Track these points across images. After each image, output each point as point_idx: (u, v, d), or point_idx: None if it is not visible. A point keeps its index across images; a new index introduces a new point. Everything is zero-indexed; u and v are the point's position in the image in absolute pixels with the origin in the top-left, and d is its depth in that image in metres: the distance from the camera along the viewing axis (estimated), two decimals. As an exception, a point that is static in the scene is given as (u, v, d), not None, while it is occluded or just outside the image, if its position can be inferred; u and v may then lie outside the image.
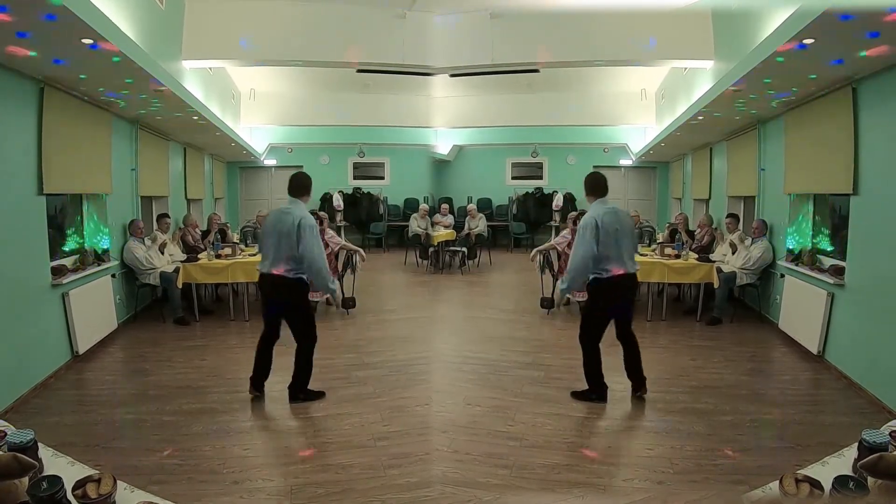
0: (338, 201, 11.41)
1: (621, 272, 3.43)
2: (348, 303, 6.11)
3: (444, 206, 10.52)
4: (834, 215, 4.94)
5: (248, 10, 5.76)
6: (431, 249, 9.10)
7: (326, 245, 6.25)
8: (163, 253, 5.97)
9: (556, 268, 6.33)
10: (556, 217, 11.39)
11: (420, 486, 2.60)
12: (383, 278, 8.61)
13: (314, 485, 2.62)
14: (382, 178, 12.36)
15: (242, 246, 7.31)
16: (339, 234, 9.16)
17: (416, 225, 9.64)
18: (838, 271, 4.33)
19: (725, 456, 2.89)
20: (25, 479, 1.44)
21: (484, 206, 12.02)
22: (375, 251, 11.30)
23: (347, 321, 5.85)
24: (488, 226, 10.24)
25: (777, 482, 1.54)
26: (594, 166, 12.00)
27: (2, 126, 3.60)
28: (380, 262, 9.98)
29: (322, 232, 6.29)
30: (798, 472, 1.58)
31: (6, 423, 1.84)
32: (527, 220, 11.84)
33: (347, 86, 9.64)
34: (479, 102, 10.52)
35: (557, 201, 11.49)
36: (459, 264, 9.13)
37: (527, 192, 11.94)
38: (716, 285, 5.66)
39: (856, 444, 1.66)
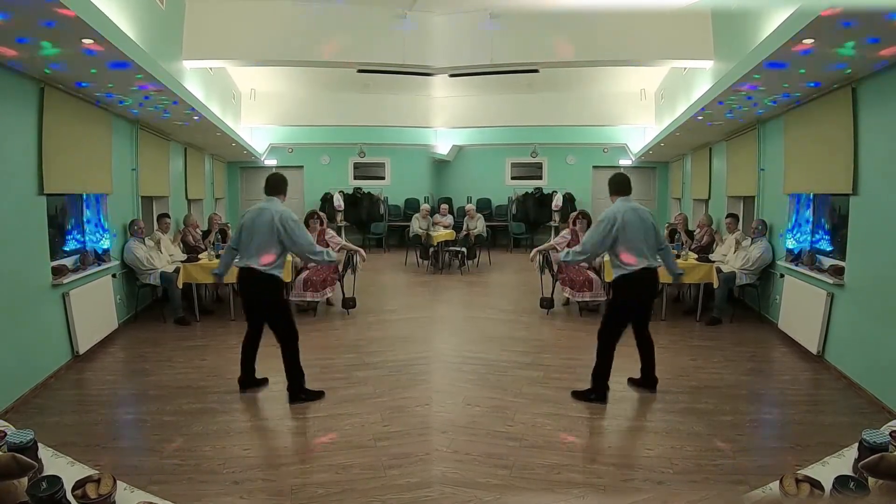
0: (338, 201, 11.41)
1: (643, 266, 3.52)
2: (349, 303, 6.11)
3: (444, 206, 10.52)
4: (833, 215, 4.94)
5: (249, 10, 5.76)
6: (431, 250, 9.10)
7: (327, 245, 6.25)
8: (160, 249, 5.97)
9: (555, 268, 6.33)
10: (556, 217, 11.39)
11: (420, 487, 2.60)
12: (383, 278, 8.61)
13: (314, 485, 2.62)
14: (383, 178, 12.37)
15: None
16: (340, 234, 9.16)
17: (417, 225, 9.64)
18: (838, 271, 4.34)
19: (725, 456, 2.89)
20: (25, 480, 1.44)
21: (483, 206, 12.03)
22: (376, 251, 11.30)
23: (348, 321, 5.85)
24: (488, 226, 10.24)
25: (777, 482, 1.54)
26: (594, 166, 12.04)
27: (2, 126, 3.60)
28: (380, 263, 9.98)
29: (322, 232, 6.31)
30: (798, 472, 1.58)
31: (6, 423, 1.84)
32: (526, 221, 11.84)
33: (348, 86, 9.64)
34: (479, 102, 10.52)
35: (557, 201, 11.49)
36: (459, 264, 9.13)
37: (526, 193, 11.94)
38: (715, 285, 5.66)
39: (856, 445, 1.66)
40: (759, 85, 4.55)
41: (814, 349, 4.45)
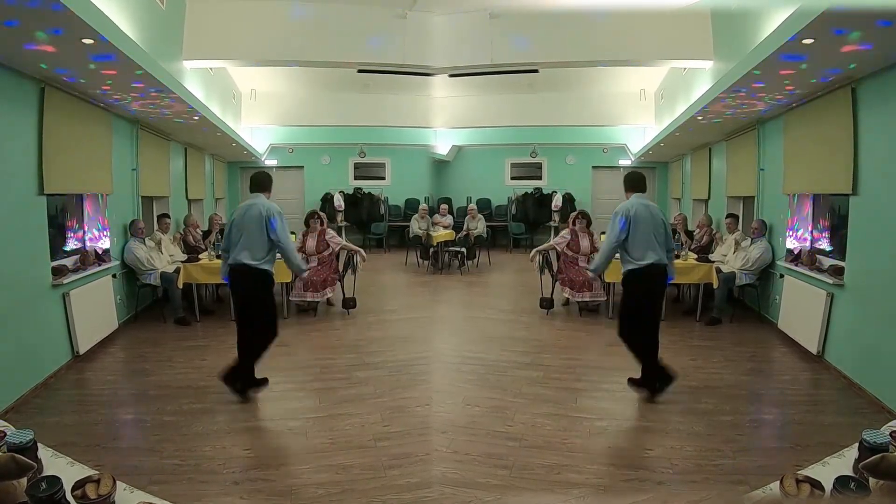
0: (339, 201, 11.42)
1: (652, 261, 3.55)
2: (349, 303, 6.11)
3: (444, 206, 10.52)
4: (833, 215, 4.95)
5: (249, 10, 5.76)
6: (431, 250, 9.10)
7: (327, 245, 6.25)
8: (160, 251, 5.97)
9: (555, 268, 6.33)
10: (556, 217, 11.39)
11: (420, 487, 2.60)
12: (384, 278, 8.61)
13: (315, 485, 2.62)
14: (383, 178, 12.37)
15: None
16: (340, 235, 9.15)
17: (416, 226, 9.64)
18: (838, 271, 4.33)
19: (725, 456, 2.89)
20: (24, 480, 1.44)
21: (483, 206, 12.03)
22: (376, 251, 11.30)
23: (348, 321, 5.85)
24: (487, 226, 10.24)
25: (777, 483, 1.54)
26: (593, 167, 12.04)
27: (2, 126, 3.60)
28: (380, 263, 9.98)
29: (322, 232, 6.31)
30: (798, 472, 1.58)
31: (6, 424, 1.84)
32: (526, 221, 11.84)
33: (348, 86, 9.64)
34: (479, 103, 10.52)
35: (556, 201, 11.49)
36: (459, 265, 9.13)
37: (526, 193, 11.93)
38: (715, 285, 5.66)
39: (856, 445, 1.66)
40: (759, 85, 4.54)
41: (814, 349, 4.45)
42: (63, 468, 1.61)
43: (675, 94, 7.86)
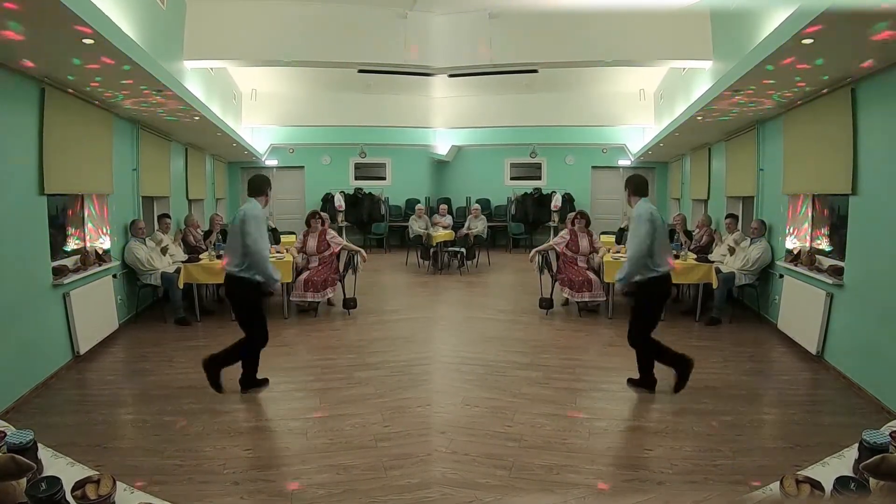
0: (339, 201, 11.43)
1: (668, 269, 3.58)
2: (349, 303, 6.11)
3: (443, 206, 10.53)
4: (832, 215, 4.95)
5: (250, 11, 5.77)
6: (432, 250, 9.10)
7: (328, 245, 6.26)
8: (164, 255, 5.98)
9: (554, 268, 6.33)
10: (555, 217, 11.39)
11: (421, 488, 2.60)
12: (384, 279, 8.61)
13: (315, 485, 2.62)
14: (384, 178, 12.36)
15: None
16: (341, 235, 9.16)
17: (416, 226, 9.65)
18: (837, 271, 4.34)
19: (725, 456, 2.89)
20: (24, 480, 1.44)
21: (482, 206, 12.00)
22: (377, 251, 11.31)
23: (348, 321, 5.85)
24: (487, 226, 10.25)
25: (777, 483, 1.55)
26: (593, 167, 12.04)
27: (3, 126, 3.60)
28: (381, 263, 9.98)
29: (323, 232, 6.31)
30: (798, 472, 1.58)
31: (6, 424, 1.84)
32: (525, 221, 11.84)
33: (349, 86, 9.64)
34: (478, 103, 10.52)
35: (556, 202, 11.49)
36: (458, 265, 9.14)
37: (525, 193, 11.93)
38: (714, 286, 5.66)
39: (856, 445, 1.66)
40: (758, 85, 4.55)
41: (813, 349, 4.45)
42: (63, 468, 1.62)
43: (675, 94, 7.86)
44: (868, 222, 3.96)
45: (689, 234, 7.31)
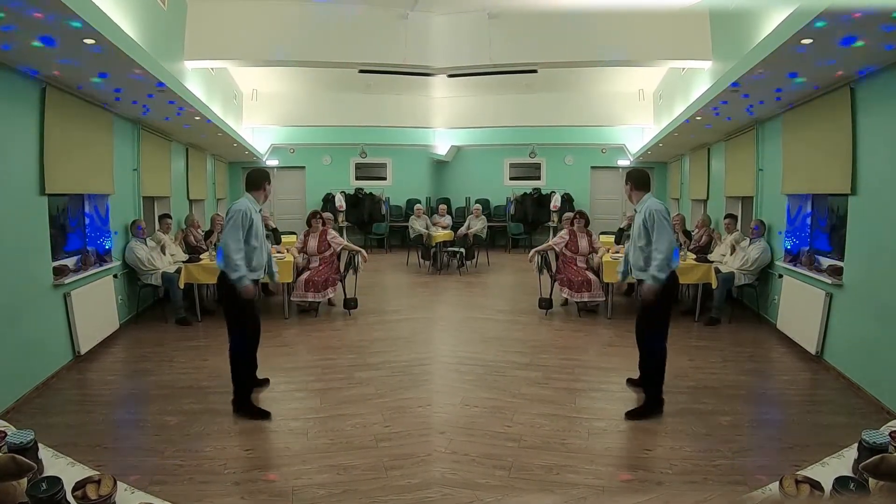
0: (340, 201, 11.44)
1: (677, 264, 3.50)
2: (350, 303, 6.12)
3: (442, 206, 10.53)
4: (831, 215, 4.95)
5: (250, 11, 5.77)
6: (432, 250, 9.11)
7: (328, 245, 6.26)
8: (164, 253, 5.98)
9: (553, 268, 6.33)
10: (554, 217, 11.39)
11: (421, 488, 2.61)
12: (385, 279, 8.62)
13: (316, 486, 2.63)
14: (384, 178, 12.37)
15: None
16: (342, 235, 9.17)
17: (417, 225, 9.66)
18: (836, 271, 4.34)
19: (724, 457, 2.90)
20: (24, 480, 1.44)
21: (482, 206, 12.02)
22: (377, 252, 11.31)
23: (349, 321, 5.86)
24: (487, 226, 10.26)
25: (777, 483, 1.55)
26: (592, 167, 12.05)
27: (4, 126, 3.61)
28: (382, 263, 9.98)
29: (324, 233, 6.31)
30: (798, 472, 1.59)
31: (7, 424, 1.84)
32: (525, 221, 11.85)
33: (349, 86, 9.65)
34: (478, 103, 10.53)
35: (555, 202, 11.50)
36: (458, 265, 9.14)
37: (525, 193, 11.94)
38: (714, 286, 5.67)
39: (855, 445, 1.67)
40: (758, 85, 4.55)
41: (812, 349, 4.45)
42: (64, 468, 1.62)
43: (674, 94, 7.87)
44: (867, 222, 3.96)
45: (688, 234, 7.31)
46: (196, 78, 6.19)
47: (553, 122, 10.55)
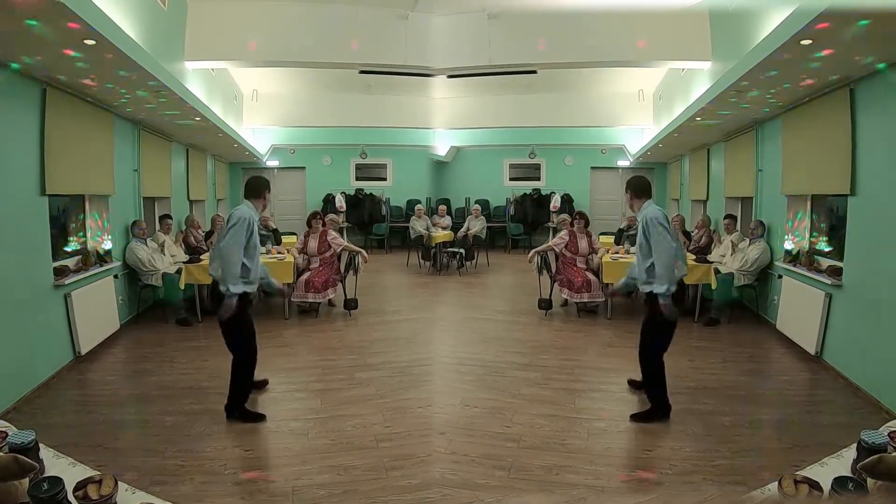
0: (340, 202, 11.44)
1: (683, 273, 3.35)
2: (350, 304, 6.12)
3: (442, 207, 10.54)
4: (831, 215, 4.96)
5: (251, 11, 5.78)
6: (432, 251, 9.11)
7: (329, 246, 6.27)
8: (164, 253, 5.98)
9: (553, 269, 6.34)
10: (554, 218, 11.40)
11: (421, 488, 2.61)
12: (385, 279, 8.62)
13: (316, 486, 2.63)
14: (385, 178, 12.38)
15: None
16: (342, 236, 9.18)
17: (417, 226, 9.66)
18: (836, 272, 4.35)
19: (724, 457, 2.90)
20: (26, 481, 1.45)
21: (482, 207, 12.03)
22: (378, 252, 11.31)
23: (349, 322, 5.86)
24: (486, 227, 10.26)
25: (776, 483, 1.55)
26: (591, 167, 12.05)
27: (5, 127, 3.62)
28: (382, 264, 9.99)
29: (325, 233, 6.32)
30: (797, 473, 1.59)
31: (7, 424, 1.85)
32: (524, 222, 11.85)
33: (350, 87, 9.66)
34: (477, 103, 10.54)
35: (555, 202, 11.51)
36: (458, 265, 9.14)
37: (524, 193, 11.94)
38: (713, 286, 5.67)
39: (854, 445, 1.67)
40: (757, 86, 4.56)
41: (812, 350, 4.46)
42: (65, 469, 1.63)
43: (674, 94, 7.87)
44: (867, 223, 3.97)
45: (687, 235, 7.32)
46: (196, 78, 6.20)
47: (553, 122, 10.56)
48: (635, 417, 3.39)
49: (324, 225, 6.45)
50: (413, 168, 12.28)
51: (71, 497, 1.42)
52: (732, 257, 5.96)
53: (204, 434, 3.17)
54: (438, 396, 3.76)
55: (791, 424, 3.38)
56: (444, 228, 9.71)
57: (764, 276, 5.73)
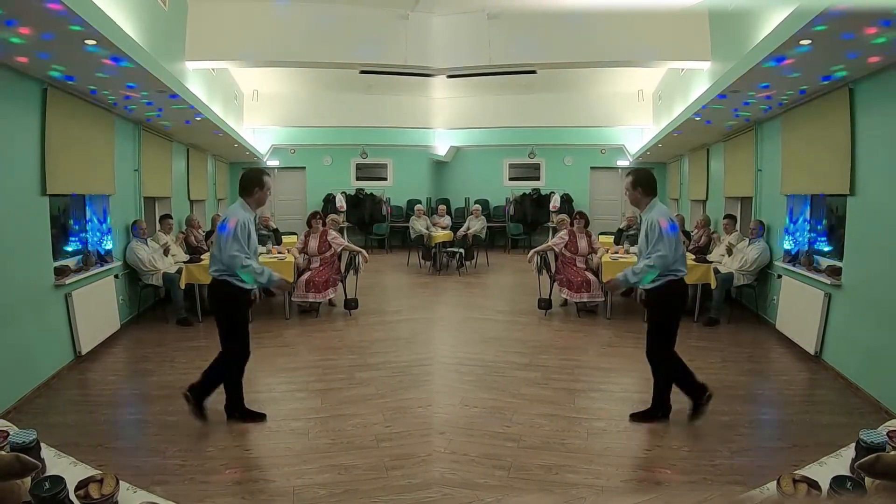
0: (340, 202, 11.44)
1: (685, 272, 3.32)
2: (351, 304, 6.13)
3: (442, 207, 10.54)
4: (830, 215, 4.96)
5: (251, 12, 5.78)
6: (432, 251, 9.12)
7: (329, 246, 6.27)
8: (167, 255, 5.99)
9: (553, 269, 6.34)
10: (554, 218, 11.40)
11: (421, 488, 2.62)
12: (385, 279, 8.63)
13: (317, 486, 2.64)
14: (385, 178, 12.38)
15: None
16: (343, 235, 9.18)
17: (417, 226, 9.67)
18: (835, 272, 4.35)
19: (723, 456, 2.91)
20: (28, 480, 1.45)
21: (481, 207, 12.02)
22: (378, 252, 11.32)
23: (350, 322, 5.87)
24: (486, 227, 10.27)
25: (775, 482, 1.56)
26: (591, 167, 12.06)
27: (5, 127, 3.62)
28: (382, 263, 9.99)
29: (325, 233, 6.32)
30: (796, 472, 1.59)
31: (9, 424, 1.85)
32: (524, 221, 11.86)
33: (350, 87, 9.66)
34: (477, 103, 10.54)
35: (555, 202, 11.51)
36: (457, 265, 9.14)
37: (524, 193, 11.95)
38: (713, 286, 5.68)
39: (853, 445, 1.67)
40: (757, 86, 4.56)
41: (811, 350, 4.46)
42: (66, 468, 1.63)
43: (673, 94, 7.87)
44: (866, 223, 3.97)
45: (687, 235, 7.32)
46: (197, 78, 6.20)
47: (552, 122, 10.55)
48: (635, 417, 3.39)
49: (324, 225, 6.46)
50: (413, 168, 12.29)
51: (72, 496, 1.42)
52: (732, 257, 5.97)
53: (204, 434, 3.18)
54: (438, 396, 3.77)
55: (790, 424, 3.38)
56: (443, 228, 9.71)
57: (763, 275, 5.74)
